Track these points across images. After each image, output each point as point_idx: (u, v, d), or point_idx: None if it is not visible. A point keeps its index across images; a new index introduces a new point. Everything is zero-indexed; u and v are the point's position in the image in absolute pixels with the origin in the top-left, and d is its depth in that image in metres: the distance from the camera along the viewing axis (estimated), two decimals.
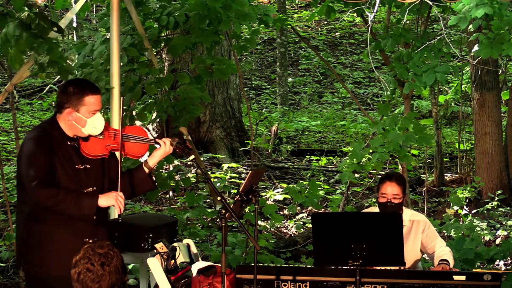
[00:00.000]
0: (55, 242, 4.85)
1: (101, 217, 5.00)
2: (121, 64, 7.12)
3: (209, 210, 9.25)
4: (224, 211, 4.93)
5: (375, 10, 8.98)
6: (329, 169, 12.59)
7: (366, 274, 5.30)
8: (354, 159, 8.36)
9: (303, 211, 10.40)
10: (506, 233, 9.63)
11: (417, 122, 8.29)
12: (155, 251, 5.34)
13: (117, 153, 5.10)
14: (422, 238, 6.07)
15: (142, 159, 5.25)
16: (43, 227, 4.86)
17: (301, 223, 9.92)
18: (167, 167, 10.04)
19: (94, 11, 16.41)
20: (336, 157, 13.21)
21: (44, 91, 15.90)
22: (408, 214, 6.10)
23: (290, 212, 10.21)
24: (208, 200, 10.22)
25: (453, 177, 12.07)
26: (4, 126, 13.72)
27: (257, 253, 5.04)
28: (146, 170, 5.14)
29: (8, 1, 7.71)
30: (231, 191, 10.40)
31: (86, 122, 4.90)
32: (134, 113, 8.08)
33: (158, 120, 9.24)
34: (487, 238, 9.48)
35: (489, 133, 10.80)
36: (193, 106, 8.12)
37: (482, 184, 10.72)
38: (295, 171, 12.37)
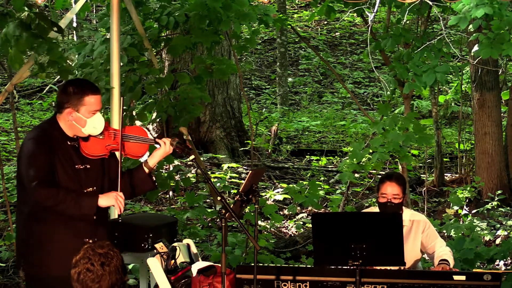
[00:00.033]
0: (55, 242, 4.85)
1: (101, 217, 5.00)
2: (121, 64, 7.12)
3: (209, 210, 9.25)
4: (224, 211, 4.93)
5: (375, 10, 8.98)
6: (329, 169, 12.59)
7: (366, 274, 5.30)
8: (354, 159, 8.36)
9: (303, 211, 10.40)
10: (506, 233, 9.63)
11: (417, 122, 8.29)
12: (155, 251, 5.34)
13: (117, 153, 5.10)
14: (422, 238, 6.07)
15: (142, 159, 5.25)
16: (43, 227, 4.86)
17: (301, 223, 9.92)
18: (167, 167, 10.04)
19: (94, 11, 16.41)
20: (336, 157, 13.21)
21: (44, 91, 15.90)
22: (408, 214, 6.10)
23: (290, 212, 10.21)
24: (208, 200, 10.22)
25: (453, 177, 12.07)
26: (4, 126, 13.72)
27: (257, 253, 5.04)
28: (146, 170, 5.14)
29: (8, 1, 7.71)
30: (231, 191, 10.40)
31: (86, 122, 4.90)
32: (134, 113, 8.08)
33: (158, 120, 9.24)
34: (487, 238, 9.49)
35: (489, 133, 10.80)
36: (193, 106, 8.12)
37: (482, 184, 10.72)
38: (295, 171, 12.37)
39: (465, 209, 10.55)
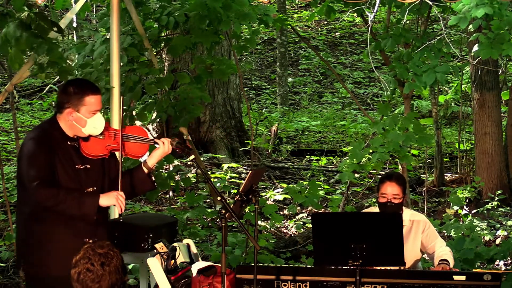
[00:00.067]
0: (55, 242, 4.85)
1: (101, 217, 5.00)
2: (121, 64, 7.12)
3: (209, 210, 9.25)
4: (224, 211, 4.93)
5: (375, 10, 8.98)
6: (329, 169, 12.59)
7: (366, 274, 5.30)
8: (354, 159, 8.36)
9: (303, 211, 10.40)
10: (506, 233, 9.63)
11: (417, 122, 8.29)
12: (155, 251, 5.34)
13: (117, 153, 5.10)
14: (422, 238, 6.07)
15: (142, 159, 5.25)
16: (43, 227, 4.86)
17: (301, 223, 9.92)
18: (167, 167, 10.04)
19: (94, 11, 16.40)
20: (336, 157, 13.21)
21: (44, 91, 15.90)
22: (408, 214, 6.10)
23: (290, 212, 10.21)
24: (208, 200, 10.22)
25: (453, 177, 12.07)
26: (4, 126, 13.72)
27: (257, 253, 5.04)
28: (145, 170, 5.14)
29: (8, 1, 7.71)
30: (231, 191, 10.40)
31: (87, 122, 4.90)
32: (134, 113, 8.08)
33: (158, 120, 9.24)
34: (487, 238, 9.49)
35: (489, 133, 10.80)
36: (193, 106, 8.12)
37: (482, 184, 10.72)
38: (295, 171, 12.37)
39: (465, 209, 10.55)
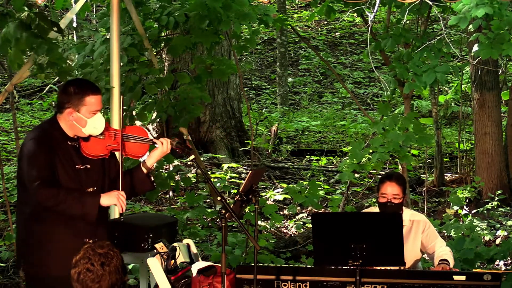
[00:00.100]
0: (55, 242, 4.85)
1: (101, 217, 5.00)
2: (121, 64, 7.12)
3: (209, 210, 9.25)
4: (224, 211, 4.93)
5: (375, 10, 8.98)
6: (329, 169, 12.59)
7: (366, 274, 5.31)
8: (354, 159, 8.36)
9: (303, 211, 10.40)
10: (506, 233, 9.63)
11: (417, 122, 8.29)
12: (155, 251, 5.34)
13: (117, 153, 5.10)
14: (422, 238, 6.07)
15: (141, 159, 5.25)
16: (43, 227, 4.86)
17: (301, 223, 9.92)
18: (167, 167, 10.04)
19: (94, 11, 16.40)
20: (336, 157, 13.21)
21: (44, 91, 15.90)
22: (408, 214, 6.10)
23: (290, 212, 10.21)
24: (208, 200, 10.23)
25: (453, 177, 12.07)
26: (4, 126, 13.72)
27: (257, 253, 5.04)
28: (144, 171, 5.13)
29: (8, 1, 7.71)
30: (231, 191, 10.40)
31: (87, 122, 4.90)
32: (134, 113, 8.08)
33: (158, 120, 9.24)
34: (487, 238, 9.49)
35: (489, 133, 10.80)
36: (193, 106, 8.12)
37: (482, 184, 10.72)
38: (295, 171, 12.37)
39: (465, 209, 10.55)
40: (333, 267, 5.40)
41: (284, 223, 10.16)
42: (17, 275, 7.92)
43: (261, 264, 6.24)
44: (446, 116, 15.11)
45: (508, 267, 8.49)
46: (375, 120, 8.63)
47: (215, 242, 9.04)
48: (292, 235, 9.78)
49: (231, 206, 5.05)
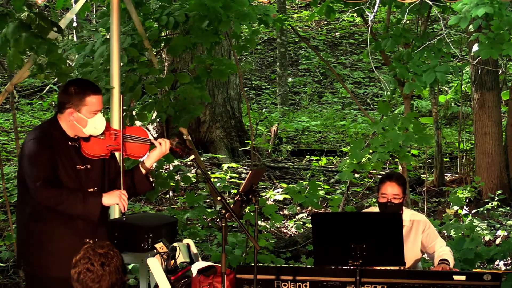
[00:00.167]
0: (55, 242, 4.85)
1: (102, 217, 5.00)
2: (121, 64, 7.12)
3: (209, 210, 9.25)
4: (224, 211, 4.93)
5: (375, 10, 8.99)
6: (329, 169, 12.59)
7: (366, 274, 5.31)
8: (354, 159, 8.36)
9: (303, 211, 10.40)
10: (506, 233, 9.63)
11: (417, 122, 8.29)
12: (155, 251, 5.34)
13: (118, 154, 5.10)
14: (422, 238, 6.07)
15: (141, 159, 5.25)
16: (43, 227, 4.86)
17: (301, 223, 9.92)
18: (167, 167, 10.04)
19: (94, 11, 16.40)
20: (336, 157, 13.21)
21: (44, 91, 15.90)
22: (408, 214, 6.10)
23: (290, 212, 10.21)
24: (208, 200, 10.22)
25: (453, 177, 12.07)
26: (4, 126, 13.72)
27: (257, 253, 5.04)
28: (143, 171, 5.13)
29: (8, 1, 7.71)
30: (231, 191, 10.40)
31: (87, 122, 4.90)
32: (134, 113, 8.08)
33: (158, 120, 9.24)
34: (487, 238, 9.49)
35: (489, 133, 10.80)
36: (193, 106, 8.11)
37: (482, 184, 10.72)
38: (295, 171, 12.37)
39: (465, 209, 10.55)
40: (333, 267, 5.40)
41: (284, 223, 10.16)
42: (17, 275, 7.93)
43: (261, 264, 6.24)
44: (446, 116, 15.11)
45: (508, 267, 8.49)
46: (375, 120, 8.64)
47: (215, 242, 9.04)
48: (292, 235, 9.78)
49: (231, 206, 5.05)
